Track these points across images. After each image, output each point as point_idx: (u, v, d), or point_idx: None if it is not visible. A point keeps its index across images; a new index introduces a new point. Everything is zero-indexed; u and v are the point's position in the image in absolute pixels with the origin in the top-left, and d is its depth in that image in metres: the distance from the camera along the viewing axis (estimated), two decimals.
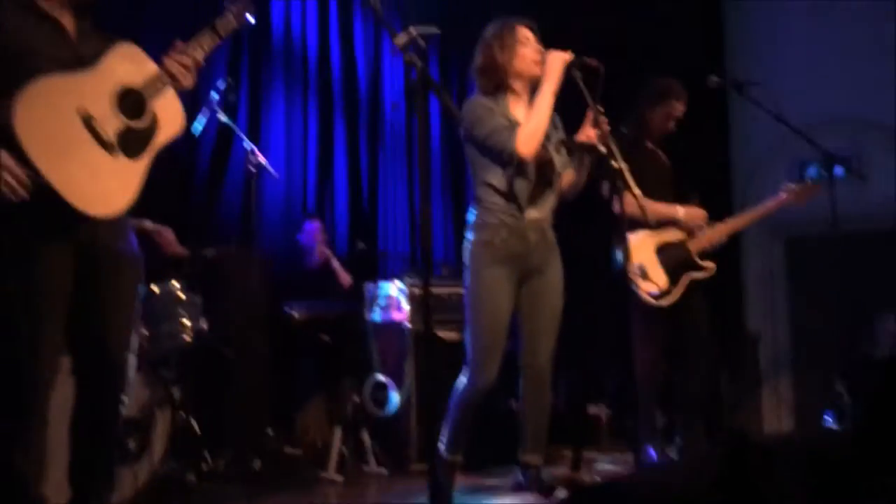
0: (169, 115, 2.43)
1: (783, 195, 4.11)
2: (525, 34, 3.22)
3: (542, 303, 3.24)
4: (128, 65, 2.38)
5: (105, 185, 2.26)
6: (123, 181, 2.31)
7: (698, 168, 4.45)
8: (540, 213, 3.19)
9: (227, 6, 2.63)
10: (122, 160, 2.29)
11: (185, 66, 2.43)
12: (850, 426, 4.27)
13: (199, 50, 2.48)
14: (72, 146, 2.22)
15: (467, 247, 3.25)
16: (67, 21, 2.37)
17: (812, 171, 6.38)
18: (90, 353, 2.39)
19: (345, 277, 5.53)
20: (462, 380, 3.23)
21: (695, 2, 6.67)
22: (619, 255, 3.67)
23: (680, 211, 3.92)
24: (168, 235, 4.09)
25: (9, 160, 2.09)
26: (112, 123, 2.29)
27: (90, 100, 2.26)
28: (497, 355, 3.17)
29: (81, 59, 2.32)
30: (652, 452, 4.00)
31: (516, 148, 3.01)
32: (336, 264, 5.54)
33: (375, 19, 6.13)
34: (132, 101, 2.34)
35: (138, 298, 2.54)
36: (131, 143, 2.32)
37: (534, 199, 3.17)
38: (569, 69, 3.07)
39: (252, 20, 2.69)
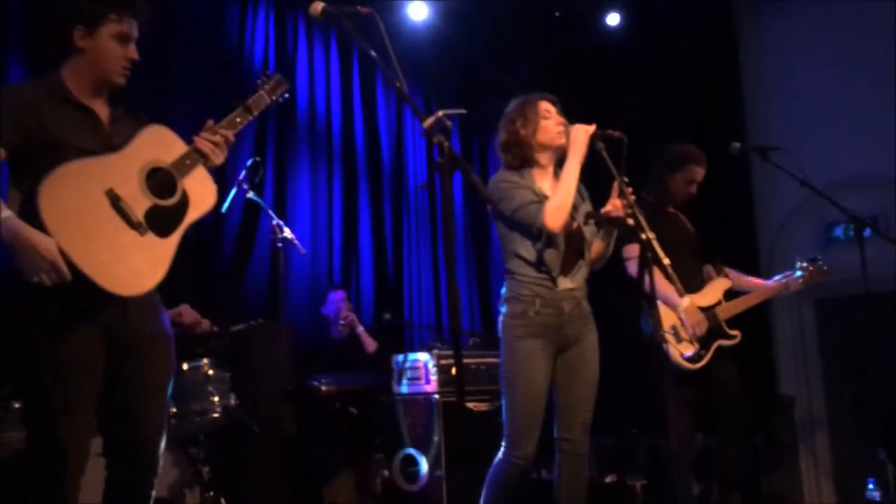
0: (200, 193, 2.43)
1: (798, 277, 4.12)
2: (546, 107, 3.25)
3: (578, 374, 3.19)
4: (157, 145, 2.41)
5: (134, 265, 2.26)
6: (153, 259, 2.31)
7: (724, 233, 4.44)
8: (573, 283, 3.18)
9: (259, 84, 2.69)
10: (150, 239, 2.30)
11: (215, 144, 2.47)
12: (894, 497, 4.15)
13: (230, 128, 2.54)
14: (99, 227, 2.23)
15: (502, 320, 3.22)
16: (101, 109, 2.43)
17: (838, 232, 6.36)
18: (123, 437, 2.37)
19: (370, 343, 5.53)
20: (499, 456, 3.17)
21: (714, 70, 6.76)
22: (648, 322, 3.64)
23: (683, 303, 3.88)
24: (188, 317, 4.10)
25: (51, 246, 2.11)
26: (140, 203, 2.30)
27: (118, 181, 2.29)
28: (535, 430, 3.10)
29: (114, 145, 2.37)
30: None
31: (545, 222, 3.02)
32: (361, 329, 5.55)
33: (399, 97, 6.26)
34: (161, 180, 2.36)
35: (171, 380, 2.53)
36: (160, 222, 2.33)
37: (566, 269, 3.16)
38: (593, 141, 3.09)
39: (284, 97, 2.75)
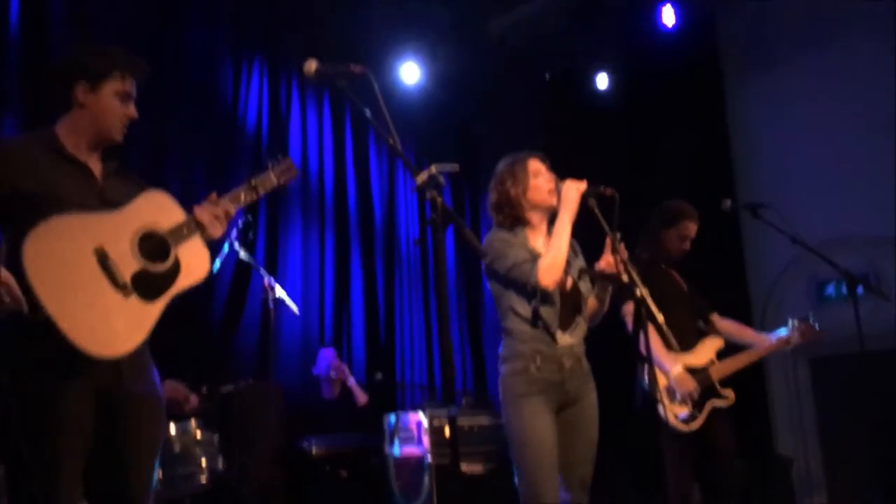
0: (193, 262, 2.39)
1: (791, 336, 4.11)
2: (536, 166, 3.24)
3: (578, 433, 3.11)
4: (155, 209, 2.38)
5: (112, 325, 2.21)
6: (132, 323, 2.25)
7: (715, 290, 4.43)
8: (573, 338, 3.14)
9: (270, 166, 2.65)
10: (134, 302, 2.25)
11: (215, 217, 2.43)
12: None
13: (233, 203, 2.51)
14: (82, 283, 2.19)
15: (502, 379, 3.16)
16: (94, 164, 2.43)
17: (830, 290, 6.36)
18: (109, 501, 2.31)
19: (361, 396, 5.46)
20: None
21: (703, 127, 6.85)
22: (644, 382, 3.60)
23: (674, 370, 3.86)
24: (176, 392, 4.05)
25: (8, 276, 2.07)
26: (129, 264, 2.27)
27: (109, 239, 2.26)
28: (553, 485, 2.97)
29: (107, 200, 2.36)
30: None
31: (539, 279, 3.00)
32: (352, 381, 5.47)
33: (392, 153, 6.30)
34: (155, 245, 2.33)
35: (160, 444, 2.47)
36: (147, 286, 2.28)
37: (564, 325, 3.12)
38: (584, 198, 3.09)
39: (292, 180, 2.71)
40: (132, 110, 2.44)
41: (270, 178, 2.63)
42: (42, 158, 2.33)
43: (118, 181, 2.46)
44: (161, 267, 2.32)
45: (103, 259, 2.23)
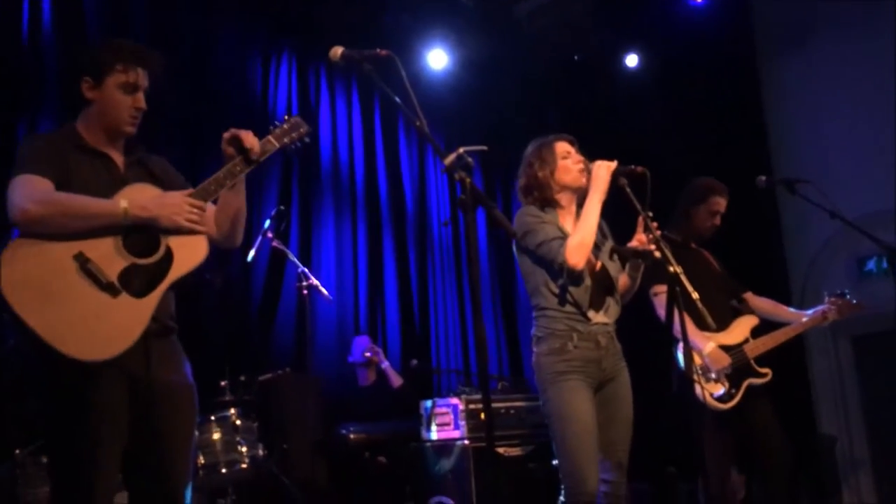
0: (186, 249, 2.33)
1: (828, 311, 4.04)
2: (565, 148, 3.23)
3: (615, 412, 3.09)
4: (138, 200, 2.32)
5: (103, 328, 2.16)
6: (125, 321, 2.20)
7: (754, 269, 4.37)
8: (606, 317, 3.13)
9: (271, 130, 2.57)
10: (125, 300, 2.21)
11: (198, 208, 2.36)
12: None
13: (223, 182, 2.41)
14: (64, 293, 2.15)
15: (537, 360, 3.14)
16: (117, 155, 2.45)
17: (871, 265, 6.24)
18: (149, 489, 2.33)
19: (396, 379, 5.49)
20: (561, 499, 3.05)
21: (737, 105, 6.74)
22: (680, 360, 3.57)
23: (707, 347, 3.81)
24: None
25: None
26: (114, 263, 2.23)
27: (89, 242, 2.22)
28: (595, 464, 2.95)
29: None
30: None
31: (566, 258, 2.98)
32: (386, 364, 5.51)
33: (421, 138, 6.31)
34: (144, 238, 2.29)
35: (195, 430, 2.49)
36: (138, 281, 2.24)
37: (595, 305, 3.10)
38: (615, 177, 3.07)
39: (301, 143, 2.63)
40: (140, 101, 2.42)
41: (269, 142, 2.54)
42: (68, 152, 2.36)
43: (142, 170, 2.47)
44: (150, 260, 2.28)
45: (84, 263, 2.19)
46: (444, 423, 4.81)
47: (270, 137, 2.56)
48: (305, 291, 4.74)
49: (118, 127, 2.42)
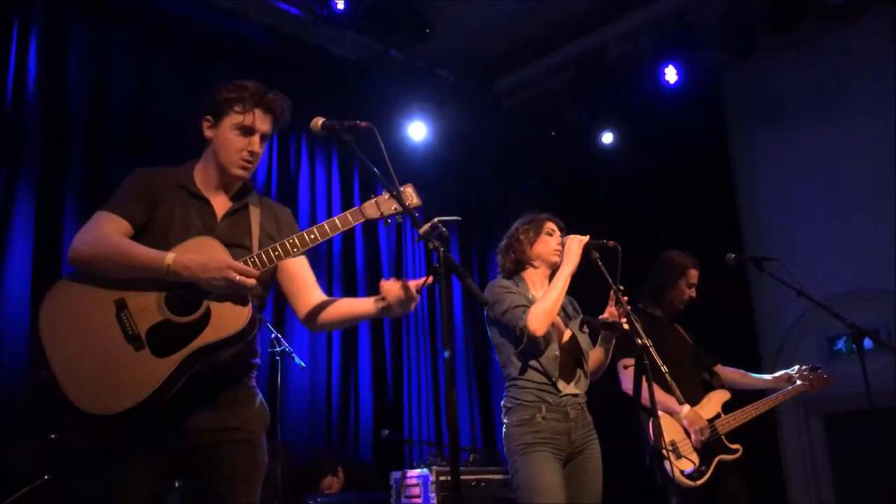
0: (226, 315, 2.18)
1: (800, 384, 4.10)
2: (551, 226, 3.38)
3: (585, 484, 3.08)
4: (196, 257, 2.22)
5: (115, 380, 2.09)
6: (138, 378, 2.09)
7: (726, 347, 4.41)
8: (577, 388, 3.15)
9: (372, 196, 2.43)
10: (144, 356, 2.11)
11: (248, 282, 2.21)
12: None
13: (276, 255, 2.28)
14: (92, 335, 2.13)
15: (507, 431, 3.14)
16: (220, 202, 2.38)
17: (841, 345, 6.30)
18: None
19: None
20: None
21: (709, 185, 6.87)
22: (650, 437, 3.56)
23: (683, 409, 3.83)
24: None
25: None
26: (149, 316, 2.15)
27: (134, 289, 2.16)
28: None
29: (219, 239, 2.26)
30: None
31: (527, 324, 3.03)
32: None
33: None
34: (189, 295, 2.18)
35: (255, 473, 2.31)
36: (165, 339, 2.13)
37: (566, 375, 3.13)
38: (587, 251, 3.14)
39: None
40: (255, 144, 2.36)
41: (368, 208, 2.39)
42: (169, 193, 2.33)
43: (240, 220, 2.39)
44: (185, 319, 2.16)
45: (120, 310, 2.14)
46: (414, 495, 4.73)
47: (373, 203, 2.42)
48: (278, 357, 4.71)
49: (228, 168, 2.37)
